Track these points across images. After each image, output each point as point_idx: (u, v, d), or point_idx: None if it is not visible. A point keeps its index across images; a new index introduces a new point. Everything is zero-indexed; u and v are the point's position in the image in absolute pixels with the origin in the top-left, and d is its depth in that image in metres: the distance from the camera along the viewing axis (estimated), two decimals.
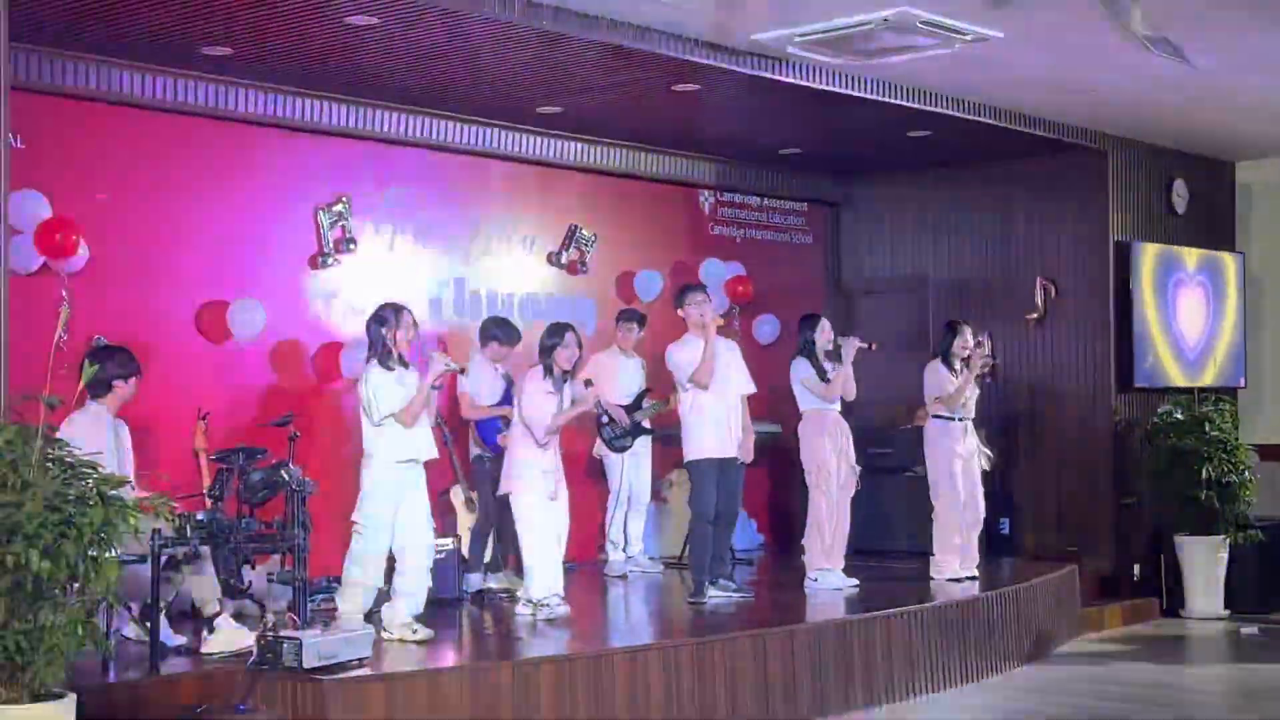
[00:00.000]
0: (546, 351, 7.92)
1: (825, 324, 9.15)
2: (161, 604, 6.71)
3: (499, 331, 8.95)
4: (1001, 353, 11.53)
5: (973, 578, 9.33)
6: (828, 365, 9.04)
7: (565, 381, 7.93)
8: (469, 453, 8.96)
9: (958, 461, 9.42)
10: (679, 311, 8.67)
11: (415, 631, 7.10)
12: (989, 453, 9.81)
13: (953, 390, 9.37)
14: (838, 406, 9.09)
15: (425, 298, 9.58)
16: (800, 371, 9.02)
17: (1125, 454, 11.03)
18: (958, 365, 9.50)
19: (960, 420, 9.46)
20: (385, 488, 7.16)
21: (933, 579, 9.29)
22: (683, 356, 8.47)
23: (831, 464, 9.01)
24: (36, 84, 7.64)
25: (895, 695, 7.87)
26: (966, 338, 9.59)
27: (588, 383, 8.02)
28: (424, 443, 7.30)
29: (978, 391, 9.64)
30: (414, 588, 7.24)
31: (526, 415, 7.84)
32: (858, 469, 9.16)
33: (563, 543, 7.94)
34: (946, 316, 11.36)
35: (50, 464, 5.21)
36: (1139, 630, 10.37)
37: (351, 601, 7.25)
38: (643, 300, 10.76)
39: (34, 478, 5.11)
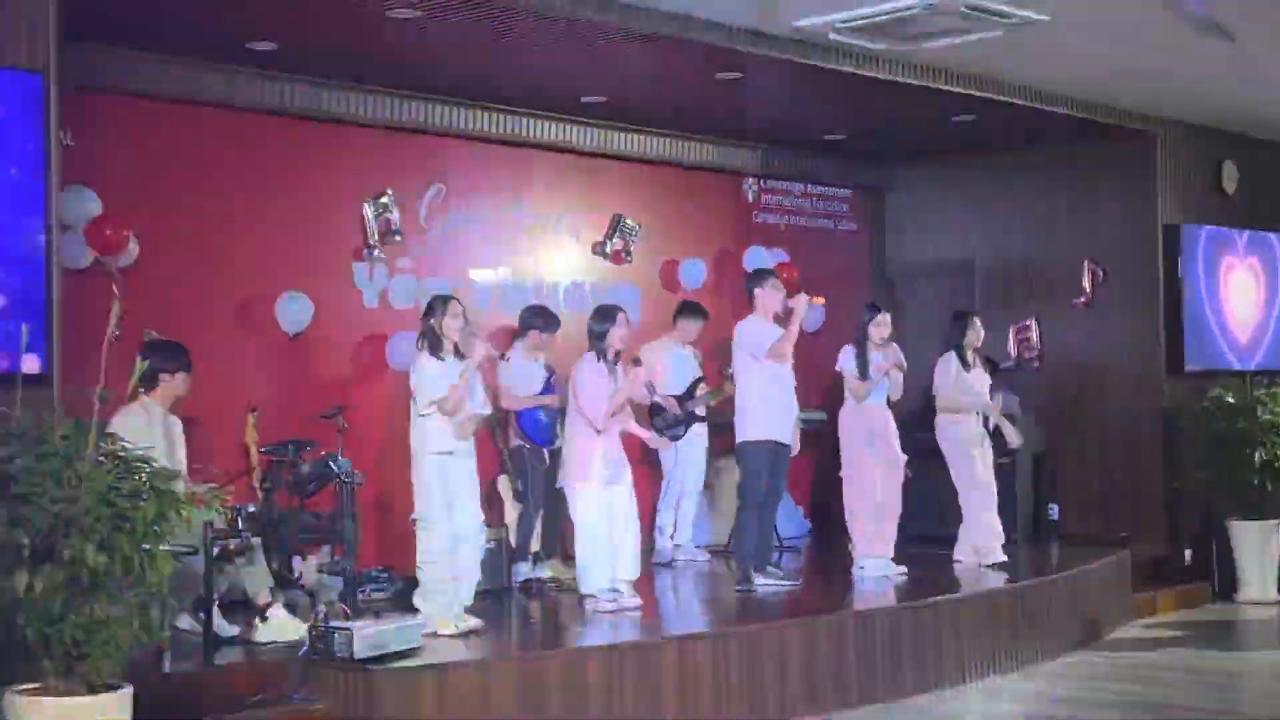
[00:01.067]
0: (599, 336, 7.92)
1: (882, 318, 9.08)
2: (214, 596, 6.79)
3: (537, 320, 8.97)
4: (1049, 337, 11.47)
5: (1000, 564, 9.27)
6: (875, 357, 8.99)
7: (617, 364, 7.93)
8: (510, 443, 8.99)
9: (977, 452, 9.37)
10: (753, 292, 8.62)
11: (464, 622, 7.13)
12: (1014, 437, 9.71)
13: (961, 393, 9.33)
14: (881, 398, 9.04)
15: (471, 289, 9.61)
16: (844, 361, 8.99)
17: (1176, 438, 10.93)
18: (970, 357, 9.45)
19: (971, 412, 9.40)
20: (437, 480, 7.16)
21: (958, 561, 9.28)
22: (756, 334, 8.40)
23: (867, 456, 8.97)
24: (86, 81, 7.70)
25: (945, 682, 7.85)
26: (978, 329, 9.53)
27: (635, 361, 7.99)
28: (446, 435, 7.24)
29: (989, 380, 9.57)
30: (463, 578, 7.25)
31: (583, 403, 7.83)
32: (904, 458, 9.12)
33: (634, 527, 7.90)
34: (994, 302, 11.34)
35: (103, 458, 5.27)
36: (1191, 615, 10.29)
37: (434, 602, 7.12)
38: (686, 289, 10.75)
39: (88, 472, 5.17)
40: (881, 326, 9.02)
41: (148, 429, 6.70)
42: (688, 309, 10.03)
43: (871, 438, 8.98)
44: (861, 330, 9.03)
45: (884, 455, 9.02)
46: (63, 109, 6.03)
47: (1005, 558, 9.33)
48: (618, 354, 7.93)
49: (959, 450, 9.38)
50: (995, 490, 9.48)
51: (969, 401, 9.34)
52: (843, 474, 9.07)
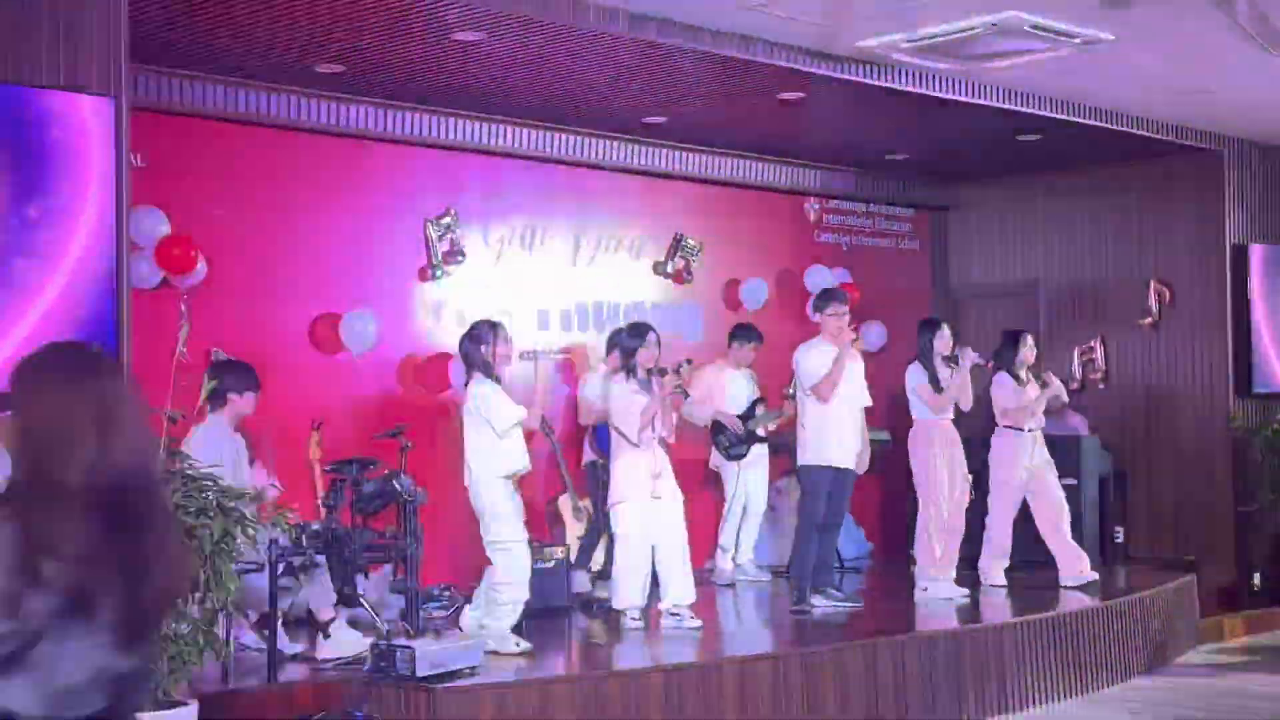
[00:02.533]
0: (629, 353, 7.95)
1: (945, 330, 9.06)
2: (279, 612, 6.86)
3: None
4: (1114, 358, 11.36)
5: (1090, 583, 9.18)
6: (944, 372, 8.96)
7: (650, 380, 7.93)
8: (581, 460, 9.01)
9: (1022, 473, 9.29)
10: (815, 316, 8.64)
11: (518, 645, 7.12)
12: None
13: (1019, 406, 9.25)
14: (950, 416, 9.00)
15: (533, 308, 9.65)
16: (915, 378, 8.95)
17: (1244, 460, 10.78)
18: (1024, 375, 9.37)
19: (1030, 432, 9.33)
20: (509, 502, 7.16)
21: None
22: (810, 364, 8.42)
23: (942, 475, 8.93)
24: (155, 103, 7.83)
25: (1009, 707, 7.77)
26: (1030, 347, 9.45)
27: (662, 371, 7.95)
28: (523, 453, 7.27)
29: (1044, 400, 9.49)
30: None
31: (617, 421, 7.87)
32: (969, 478, 9.06)
33: (680, 546, 7.91)
34: (1058, 322, 11.24)
35: (173, 476, 5.34)
36: (1260, 640, 10.13)
37: (505, 619, 7.13)
38: (749, 309, 10.74)
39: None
40: (945, 339, 8.99)
41: (216, 448, 6.77)
42: (741, 332, 10.00)
43: (946, 456, 8.93)
44: (926, 344, 9.00)
45: (957, 474, 8.98)
46: (132, 131, 6.13)
47: (1088, 578, 9.26)
48: (649, 371, 7.94)
49: (1005, 468, 9.32)
50: (1066, 510, 9.41)
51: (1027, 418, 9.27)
52: (919, 494, 9.02)
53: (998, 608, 8.47)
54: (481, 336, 7.28)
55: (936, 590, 8.89)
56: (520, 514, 7.21)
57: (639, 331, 8.02)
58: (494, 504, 7.12)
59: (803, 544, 8.52)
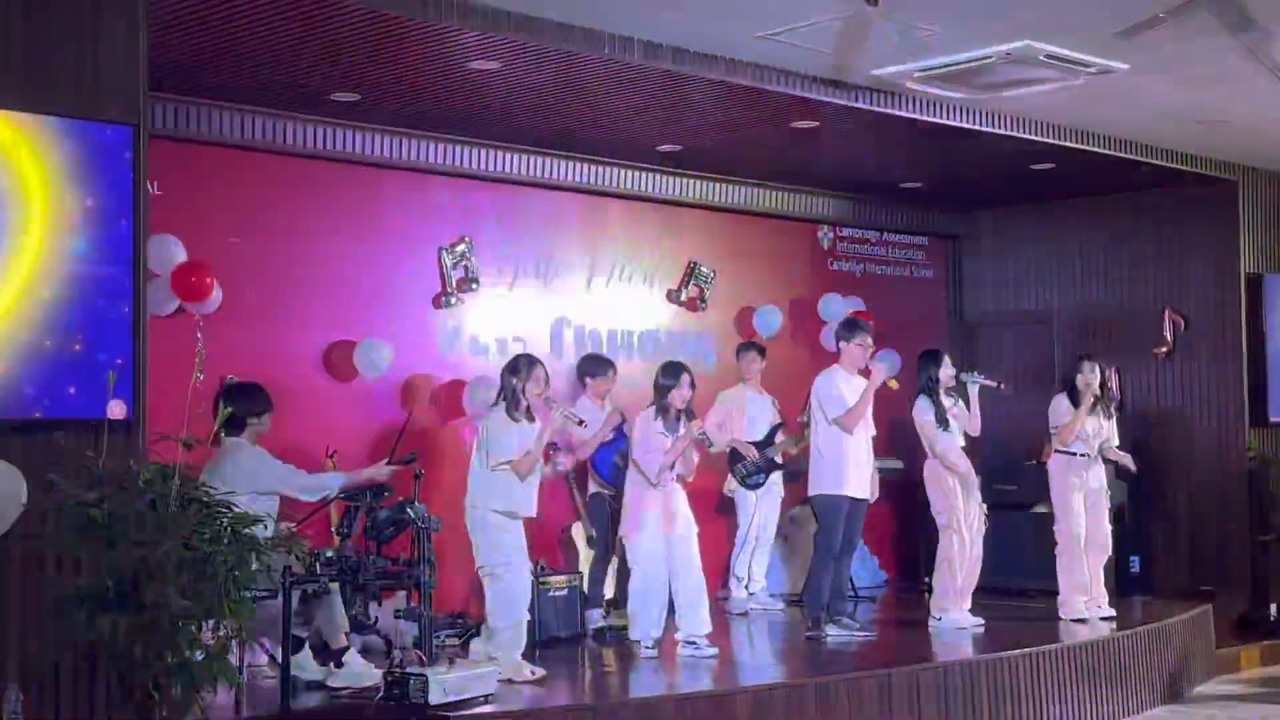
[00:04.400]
0: (662, 391, 7.96)
1: (946, 360, 9.05)
2: (304, 637, 6.87)
3: (586, 365, 9.08)
4: (1130, 388, 11.33)
5: (1108, 617, 9.14)
6: (948, 401, 8.93)
7: (679, 421, 7.94)
8: (587, 490, 9.00)
9: (1077, 496, 9.25)
10: (840, 344, 8.63)
11: (533, 673, 7.11)
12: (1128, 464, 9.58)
13: (1065, 424, 9.22)
14: (963, 443, 8.98)
15: (546, 336, 9.66)
16: (922, 413, 8.90)
17: (1261, 490, 10.74)
18: (1084, 398, 9.33)
19: (1081, 455, 9.29)
20: (499, 530, 7.20)
21: (1060, 619, 9.13)
22: (830, 392, 8.41)
23: (960, 503, 8.90)
24: (173, 131, 7.87)
25: None
26: (1086, 373, 9.40)
27: (690, 415, 7.98)
28: (527, 498, 7.30)
29: (1103, 425, 9.44)
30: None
31: (637, 456, 7.90)
32: (984, 506, 9.04)
33: (695, 578, 7.90)
34: (1072, 350, 11.20)
35: (188, 503, 5.33)
36: (1276, 671, 10.06)
37: (508, 648, 7.16)
38: (763, 336, 10.74)
39: (171, 517, 5.23)
40: (947, 370, 8.98)
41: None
42: (744, 347, 10.03)
43: (961, 485, 8.91)
44: (930, 378, 8.96)
45: (972, 502, 8.95)
46: (150, 159, 6.15)
47: (1108, 613, 9.23)
48: (679, 413, 7.94)
49: (1062, 490, 9.27)
50: (1107, 543, 9.38)
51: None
52: (940, 524, 8.98)
53: (1013, 638, 8.42)
54: (516, 368, 7.34)
55: (950, 620, 8.85)
56: (517, 543, 7.22)
57: (673, 372, 8.02)
58: (484, 532, 7.19)
59: (819, 573, 8.50)
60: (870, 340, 8.60)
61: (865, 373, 8.59)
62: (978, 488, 9.02)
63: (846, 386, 8.41)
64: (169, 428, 5.56)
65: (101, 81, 5.81)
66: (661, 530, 7.87)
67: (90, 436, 5.66)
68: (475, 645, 7.34)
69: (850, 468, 8.36)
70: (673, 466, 7.89)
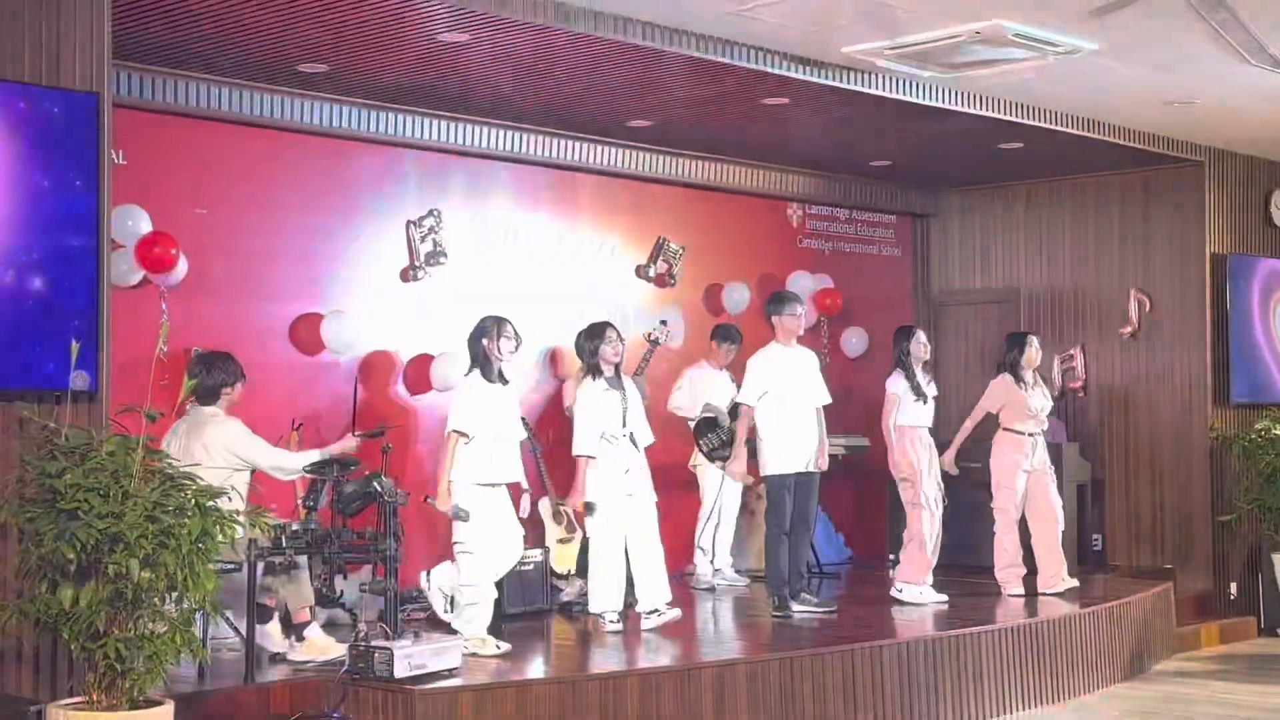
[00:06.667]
0: (591, 353, 7.95)
1: (921, 336, 9.12)
2: (273, 608, 6.86)
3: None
4: (1094, 366, 11.40)
5: (1072, 588, 9.21)
6: (923, 378, 9.00)
7: (619, 376, 7.94)
8: None
9: (1021, 476, 9.30)
10: (771, 319, 8.66)
11: (499, 646, 7.14)
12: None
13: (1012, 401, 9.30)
14: (930, 422, 9.04)
15: (515, 311, 9.62)
16: (891, 386, 8.96)
17: (1222, 470, 10.84)
18: (1029, 378, 9.40)
19: (1030, 435, 9.33)
20: (480, 507, 7.19)
21: (1024, 596, 9.20)
22: (752, 373, 8.51)
23: (925, 478, 8.96)
24: (137, 101, 7.80)
25: (986, 713, 7.79)
26: (1036, 349, 9.48)
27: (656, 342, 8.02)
28: (505, 465, 7.31)
29: (1047, 405, 9.49)
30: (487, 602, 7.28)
31: (583, 423, 7.86)
32: (941, 485, 9.11)
33: (654, 547, 7.92)
34: (1038, 330, 11.28)
35: (151, 475, 5.32)
36: (1236, 649, 10.18)
37: (474, 624, 7.18)
38: (731, 313, 10.76)
39: (134, 488, 5.22)
40: (921, 345, 9.05)
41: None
42: (723, 333, 10.04)
43: (926, 463, 8.96)
44: (903, 352, 9.02)
45: (934, 479, 9.01)
46: (114, 128, 6.10)
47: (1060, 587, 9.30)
48: (616, 368, 7.94)
49: (1006, 468, 9.32)
50: (1056, 513, 9.43)
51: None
52: (905, 499, 9.05)
53: (976, 615, 8.48)
54: (484, 330, 7.31)
55: (910, 594, 8.92)
56: (496, 519, 7.21)
57: (597, 331, 8.01)
58: (459, 506, 7.15)
59: (773, 550, 8.54)
60: (800, 310, 8.65)
61: (804, 341, 8.74)
62: (938, 467, 9.08)
63: (772, 365, 8.46)
64: (132, 400, 5.54)
65: (63, 48, 5.76)
66: (622, 494, 7.85)
67: (52, 407, 5.63)
68: (455, 620, 7.33)
69: (789, 442, 8.40)
70: (623, 420, 7.86)
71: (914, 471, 8.96)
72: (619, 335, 8.01)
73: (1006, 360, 9.49)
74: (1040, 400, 9.40)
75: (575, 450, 7.89)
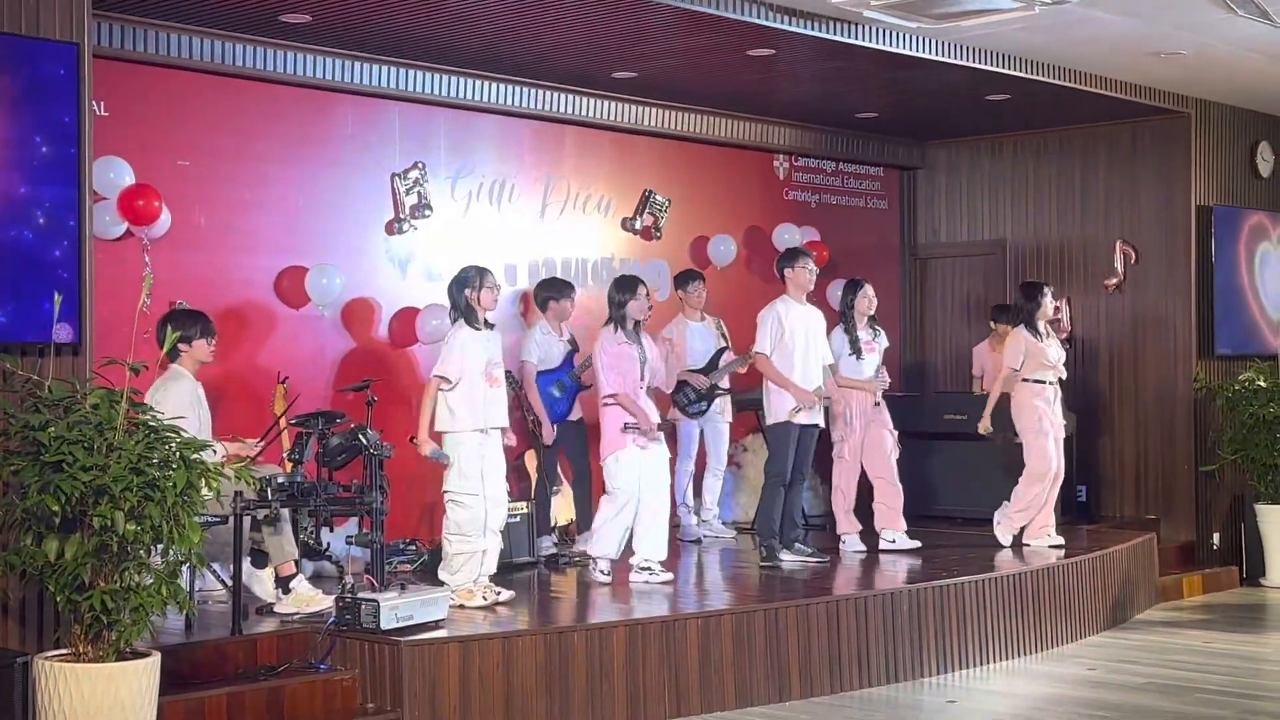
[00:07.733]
0: (619, 305, 7.96)
1: (868, 290, 9.12)
2: (268, 554, 6.88)
3: (550, 291, 9.03)
4: (1080, 318, 11.43)
5: (1057, 545, 9.24)
6: (866, 334, 9.00)
7: (639, 332, 7.97)
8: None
9: (1046, 425, 9.30)
10: (784, 272, 8.65)
11: (499, 594, 7.18)
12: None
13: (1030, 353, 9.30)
14: (870, 374, 9.05)
15: (500, 263, 9.62)
16: (833, 341, 8.95)
17: (1206, 422, 10.89)
18: (1043, 329, 9.37)
19: (1051, 384, 9.33)
20: (471, 456, 7.19)
21: (1003, 546, 9.26)
22: (765, 324, 8.48)
23: (856, 428, 9.05)
24: (119, 52, 7.74)
25: (969, 663, 7.85)
26: (1050, 299, 9.47)
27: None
28: (496, 410, 7.32)
29: (1062, 354, 9.48)
30: (489, 550, 7.30)
31: (607, 375, 7.88)
32: (895, 433, 9.14)
33: (664, 500, 7.97)
34: (1025, 281, 11.28)
35: (135, 428, 5.32)
36: (1218, 599, 10.26)
37: (462, 574, 7.20)
38: (717, 266, 10.75)
39: (119, 441, 5.22)
40: (867, 300, 9.06)
41: (182, 399, 6.75)
42: (679, 279, 9.94)
43: (859, 413, 9.05)
44: (847, 306, 9.05)
45: (883, 429, 9.10)
46: (94, 78, 6.06)
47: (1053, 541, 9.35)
48: (637, 324, 7.98)
49: (1030, 419, 9.28)
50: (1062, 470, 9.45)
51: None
52: (834, 454, 9.19)
53: (960, 565, 8.53)
54: (467, 280, 7.29)
55: (852, 543, 9.15)
56: (489, 470, 7.22)
57: (628, 284, 8.03)
58: (455, 453, 7.16)
59: (769, 499, 8.57)
60: (812, 265, 8.64)
61: (812, 297, 8.72)
62: (887, 414, 9.11)
63: (787, 318, 8.45)
64: (116, 352, 5.52)
65: None
66: (642, 443, 7.88)
67: (36, 360, 5.62)
68: (442, 570, 7.35)
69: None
70: (643, 378, 7.92)
71: (847, 429, 9.03)
72: (649, 293, 8.03)
73: (1023, 311, 9.42)
74: (1057, 351, 9.39)
75: (605, 393, 7.90)
